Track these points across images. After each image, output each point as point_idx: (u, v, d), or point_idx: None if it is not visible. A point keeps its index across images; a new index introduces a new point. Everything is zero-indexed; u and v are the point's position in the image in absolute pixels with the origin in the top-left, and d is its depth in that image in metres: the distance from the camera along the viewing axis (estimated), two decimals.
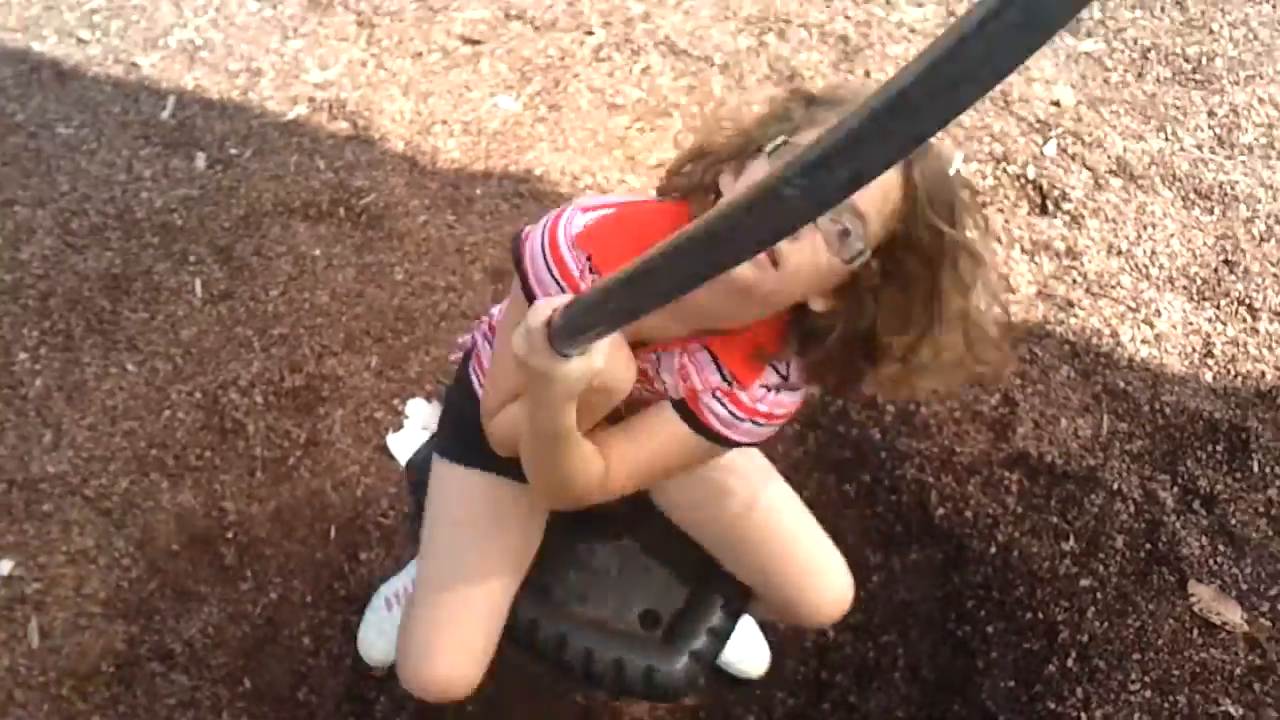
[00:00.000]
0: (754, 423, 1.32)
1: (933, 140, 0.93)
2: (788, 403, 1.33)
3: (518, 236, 1.33)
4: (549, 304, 1.04)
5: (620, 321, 0.95)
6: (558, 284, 1.26)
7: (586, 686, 1.93)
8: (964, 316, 1.23)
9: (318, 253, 2.67)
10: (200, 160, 2.92)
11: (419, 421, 2.38)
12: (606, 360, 1.08)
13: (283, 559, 2.17)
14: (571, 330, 1.01)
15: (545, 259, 1.27)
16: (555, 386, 1.09)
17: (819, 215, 0.71)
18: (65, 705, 1.96)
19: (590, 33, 3.37)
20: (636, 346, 1.26)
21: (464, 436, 1.56)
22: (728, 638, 1.65)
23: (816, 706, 2.07)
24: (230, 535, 2.19)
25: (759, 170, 1.16)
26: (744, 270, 1.12)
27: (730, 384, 1.30)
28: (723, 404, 1.31)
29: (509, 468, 1.43)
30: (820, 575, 1.59)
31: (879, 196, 1.13)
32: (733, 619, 1.65)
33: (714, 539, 1.65)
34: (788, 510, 1.63)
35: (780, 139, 1.16)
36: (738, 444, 1.35)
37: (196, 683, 2.01)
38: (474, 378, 1.59)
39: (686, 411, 1.33)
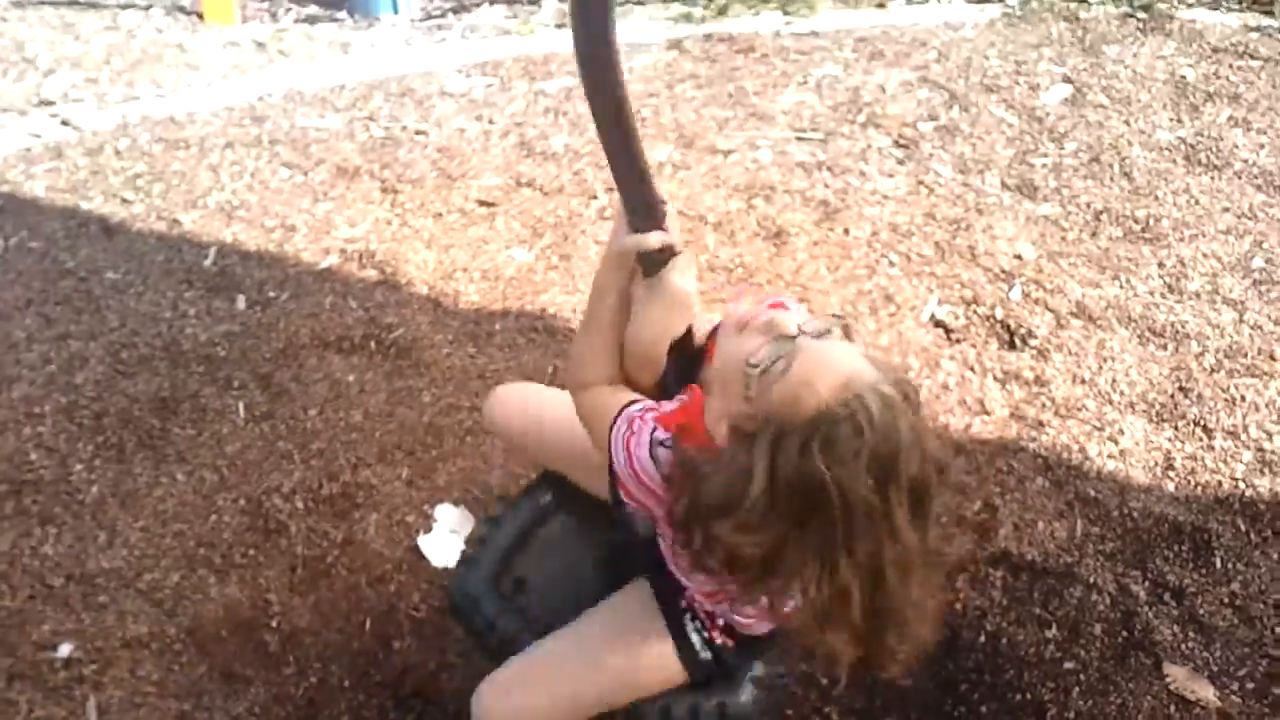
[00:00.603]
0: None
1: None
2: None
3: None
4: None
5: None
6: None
7: None
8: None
9: (351, 379, 2.90)
10: (241, 302, 3.18)
11: (446, 525, 2.57)
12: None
13: (322, 647, 2.32)
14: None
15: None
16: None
17: None
18: None
19: (595, 197, 3.70)
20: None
21: None
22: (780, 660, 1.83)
23: None
24: (274, 624, 2.34)
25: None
26: None
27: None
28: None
29: None
30: None
31: (803, 378, 1.27)
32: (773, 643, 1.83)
33: None
34: None
35: None
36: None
37: None
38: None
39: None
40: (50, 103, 4.25)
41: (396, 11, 5.13)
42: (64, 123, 4.11)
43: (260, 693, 2.24)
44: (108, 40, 4.71)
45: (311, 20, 5.02)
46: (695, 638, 1.69)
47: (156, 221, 3.54)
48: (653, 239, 1.49)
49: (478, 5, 5.25)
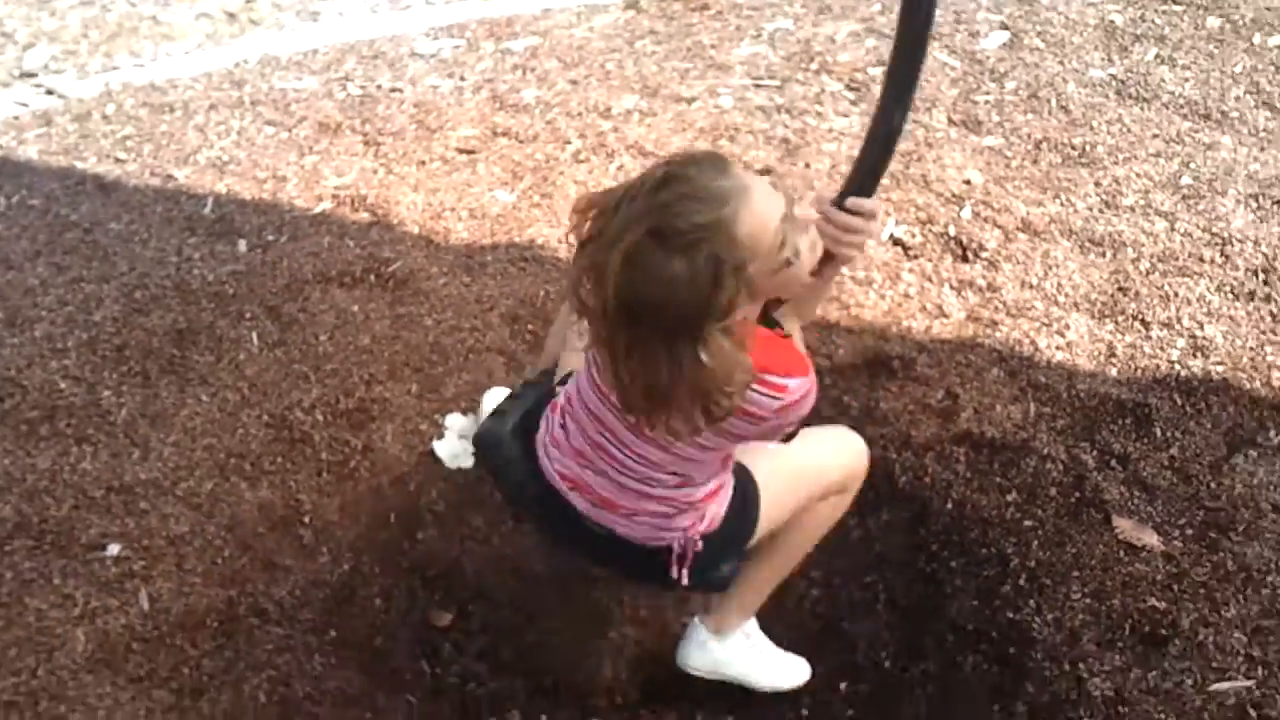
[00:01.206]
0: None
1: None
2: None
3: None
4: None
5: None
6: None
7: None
8: None
9: (355, 309, 3.11)
10: (242, 245, 3.37)
11: (456, 431, 2.79)
12: None
13: (352, 538, 2.54)
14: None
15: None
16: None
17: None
18: (177, 652, 2.29)
19: (569, 142, 3.92)
20: None
21: (744, 510, 1.97)
22: None
23: (816, 641, 2.45)
24: (307, 520, 2.55)
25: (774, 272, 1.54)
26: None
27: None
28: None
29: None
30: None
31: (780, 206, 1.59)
32: None
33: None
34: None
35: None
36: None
37: (289, 632, 2.35)
38: (718, 510, 1.92)
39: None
40: (32, 74, 4.39)
41: None
42: (49, 92, 4.25)
43: (299, 579, 2.45)
44: (82, 15, 4.85)
45: None
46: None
47: (151, 178, 3.71)
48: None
49: None
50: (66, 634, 2.29)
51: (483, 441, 2.03)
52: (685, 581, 1.91)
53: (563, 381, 1.98)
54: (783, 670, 2.31)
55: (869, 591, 2.52)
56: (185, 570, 2.43)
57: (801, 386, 1.61)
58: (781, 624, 2.44)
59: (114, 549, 2.45)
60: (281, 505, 2.57)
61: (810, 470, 2.03)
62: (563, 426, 1.85)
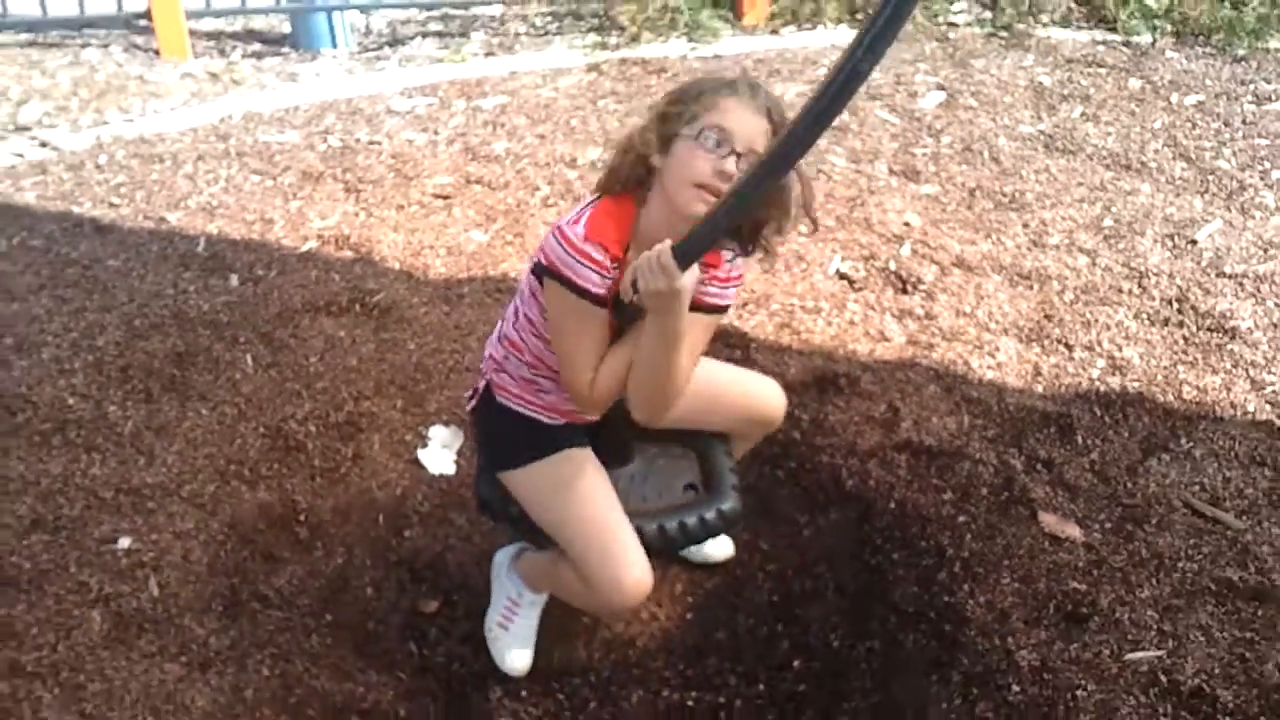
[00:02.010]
0: (732, 287, 2.03)
1: (771, 94, 1.86)
2: (741, 266, 2.05)
3: (539, 264, 1.98)
4: (665, 247, 1.74)
5: (719, 238, 1.70)
6: (592, 271, 1.88)
7: (668, 553, 2.56)
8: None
9: (343, 334, 3.35)
10: (234, 279, 3.61)
11: (440, 441, 3.02)
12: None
13: (345, 535, 2.75)
14: (691, 255, 1.74)
15: (575, 258, 1.90)
16: (685, 297, 1.78)
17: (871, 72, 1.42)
18: (186, 631, 2.48)
19: (538, 188, 4.21)
20: None
21: (521, 445, 2.19)
22: (739, 473, 2.33)
23: (772, 626, 2.69)
24: (302, 519, 2.77)
25: (684, 146, 1.87)
26: (698, 207, 1.84)
27: (705, 271, 1.99)
28: (712, 286, 2.02)
29: (561, 440, 2.15)
30: (759, 386, 2.38)
31: (762, 140, 1.87)
32: (734, 459, 2.33)
33: (685, 414, 2.27)
34: (709, 366, 2.33)
35: (692, 122, 1.87)
36: (727, 307, 2.05)
37: (289, 615, 2.56)
38: (506, 403, 2.19)
39: (695, 306, 1.98)
40: (26, 128, 4.63)
41: (335, 46, 5.60)
42: (43, 144, 4.49)
43: (297, 570, 2.66)
44: (73, 74, 5.11)
45: (258, 55, 5.48)
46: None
47: (144, 220, 3.95)
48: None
49: (411, 39, 5.76)
50: (83, 615, 2.48)
51: (488, 507, 2.28)
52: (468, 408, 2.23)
53: None
54: (505, 652, 2.48)
55: (819, 581, 2.75)
56: (191, 561, 2.63)
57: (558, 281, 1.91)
58: (741, 610, 2.67)
59: (125, 542, 2.65)
60: (279, 505, 2.79)
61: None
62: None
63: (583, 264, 1.88)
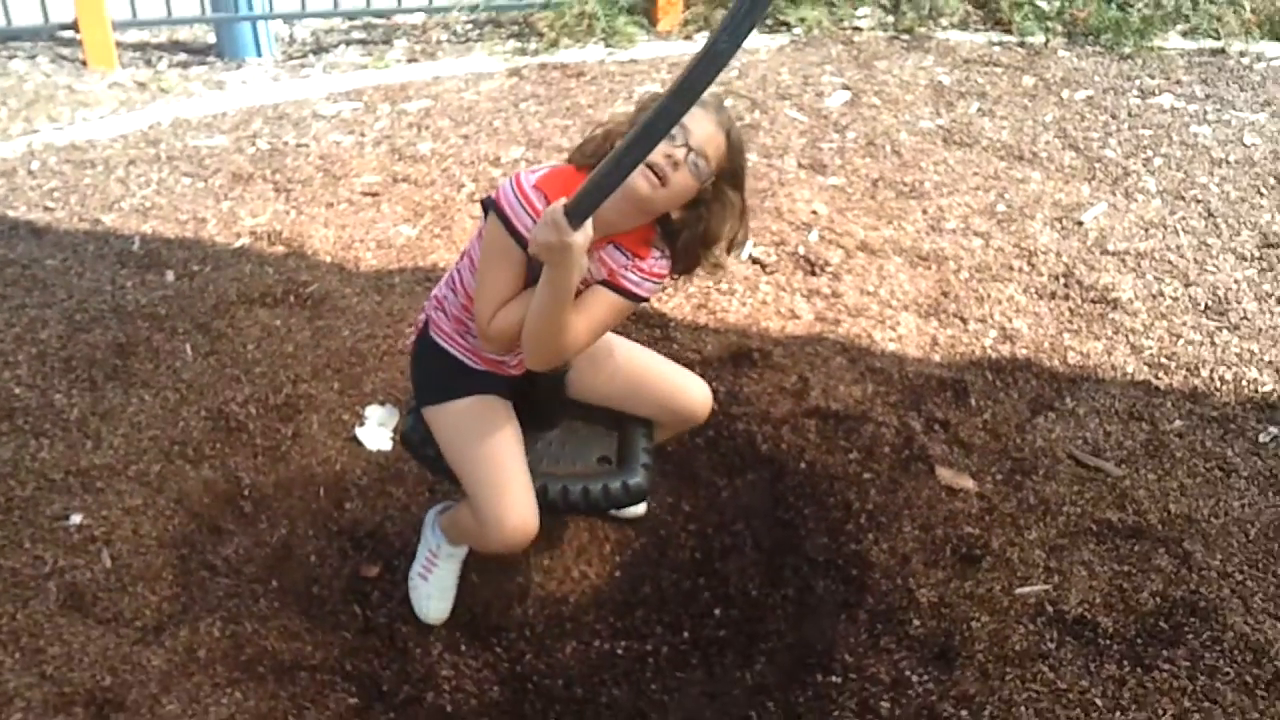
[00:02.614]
0: (650, 281, 2.24)
1: (736, 121, 2.05)
2: (663, 266, 2.26)
3: (488, 198, 2.22)
4: (558, 204, 1.91)
5: (608, 193, 1.85)
6: (529, 215, 2.08)
7: (572, 514, 2.75)
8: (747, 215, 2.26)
9: (278, 323, 3.50)
10: (170, 275, 3.74)
11: (376, 420, 3.18)
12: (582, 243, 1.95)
13: (287, 508, 2.90)
14: (580, 211, 1.92)
15: (519, 201, 2.10)
16: (575, 252, 1.93)
17: (733, 57, 1.64)
18: (139, 598, 2.62)
19: (463, 185, 4.39)
20: None
21: (444, 383, 2.38)
22: (655, 455, 2.52)
23: (694, 579, 2.88)
24: (246, 494, 2.92)
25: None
26: (643, 186, 2.07)
27: (631, 259, 2.22)
28: (633, 274, 2.22)
29: (481, 386, 2.34)
30: (686, 381, 2.53)
31: (713, 147, 2.12)
32: (653, 441, 2.53)
33: (613, 395, 2.54)
34: (644, 355, 2.57)
35: None
36: (644, 298, 2.25)
37: (236, 582, 2.70)
38: (438, 340, 2.39)
39: (611, 286, 2.21)
40: None
41: (260, 54, 5.73)
42: None
43: (243, 540, 2.81)
44: (0, 85, 5.18)
45: (184, 64, 5.58)
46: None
47: (80, 223, 4.06)
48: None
49: (335, 46, 5.90)
50: (39, 586, 2.61)
51: (407, 440, 2.47)
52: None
53: None
54: (424, 601, 2.66)
55: (737, 537, 2.96)
56: (141, 535, 2.77)
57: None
58: (665, 566, 2.86)
59: (76, 519, 2.78)
60: (223, 482, 2.93)
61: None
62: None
63: (524, 207, 2.08)
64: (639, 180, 2.03)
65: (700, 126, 2.10)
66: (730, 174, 2.18)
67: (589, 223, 1.93)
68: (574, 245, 1.92)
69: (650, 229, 2.22)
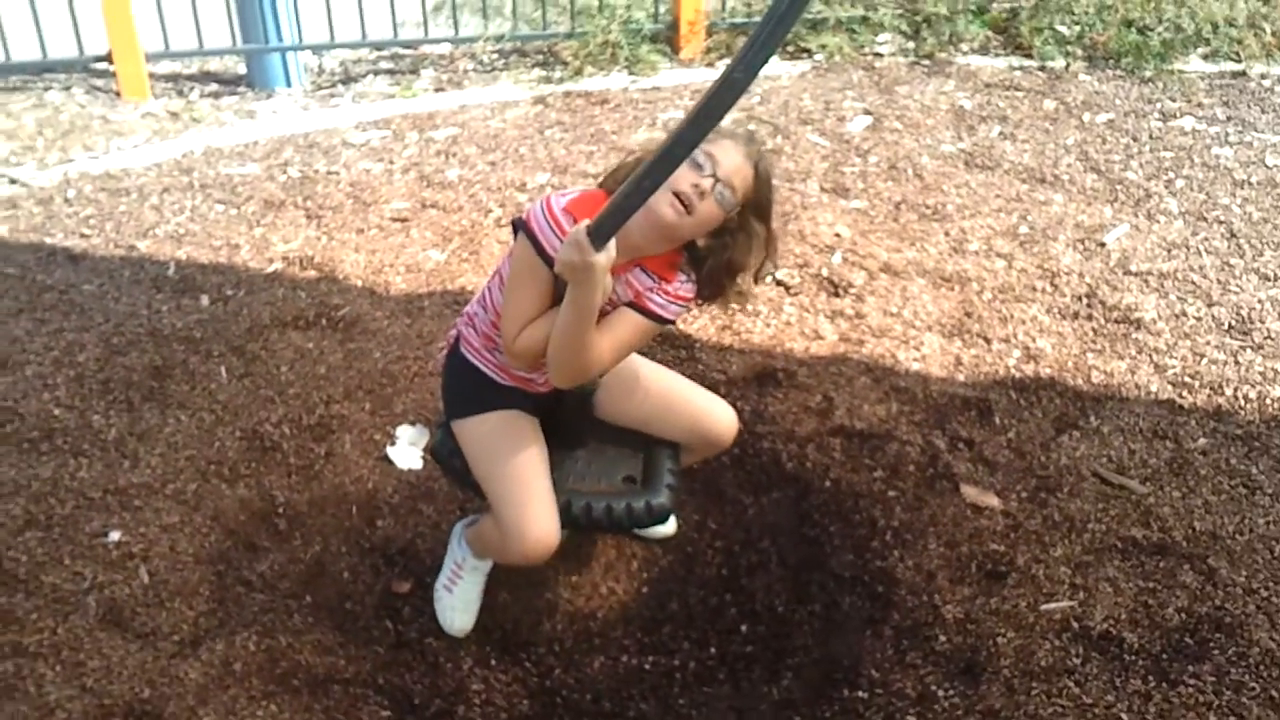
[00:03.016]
0: (675, 304, 2.28)
1: (765, 153, 2.13)
2: (689, 290, 2.29)
3: (519, 219, 2.26)
4: (582, 225, 1.96)
5: (628, 216, 1.91)
6: (557, 236, 2.12)
7: (595, 530, 2.78)
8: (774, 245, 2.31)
9: (311, 345, 3.56)
10: (205, 299, 3.82)
11: (407, 439, 3.24)
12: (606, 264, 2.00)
13: (321, 526, 2.95)
14: (602, 233, 1.97)
15: (549, 223, 2.15)
16: (597, 272, 1.98)
17: (750, 85, 1.69)
18: (176, 613, 2.67)
19: (490, 211, 4.45)
20: None
21: (472, 397, 2.43)
22: (680, 477, 2.56)
23: (721, 596, 2.91)
24: (281, 512, 2.97)
25: None
26: (669, 214, 2.12)
27: (657, 282, 2.27)
28: (658, 296, 2.26)
29: (509, 401, 2.38)
30: (712, 406, 2.57)
31: (740, 179, 2.17)
32: (678, 463, 2.56)
33: (640, 418, 2.58)
34: (671, 379, 2.61)
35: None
36: (669, 321, 2.29)
37: (271, 598, 2.75)
38: (468, 355, 2.44)
39: (636, 307, 2.26)
40: None
41: (290, 85, 5.83)
42: (11, 181, 4.67)
43: (278, 557, 2.86)
44: (37, 115, 5.29)
45: (216, 95, 5.69)
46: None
47: (115, 249, 4.15)
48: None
49: (364, 76, 6.00)
50: (79, 601, 2.66)
51: (440, 454, 2.51)
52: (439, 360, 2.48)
53: None
54: (448, 613, 2.68)
55: (763, 554, 2.99)
56: (178, 552, 2.83)
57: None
58: (692, 583, 2.90)
59: (115, 536, 2.84)
60: (258, 500, 2.99)
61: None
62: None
63: (552, 228, 2.13)
64: (665, 208, 2.09)
65: (728, 158, 2.15)
66: (756, 205, 2.22)
67: (612, 244, 1.97)
68: (596, 265, 1.96)
69: (677, 254, 2.26)
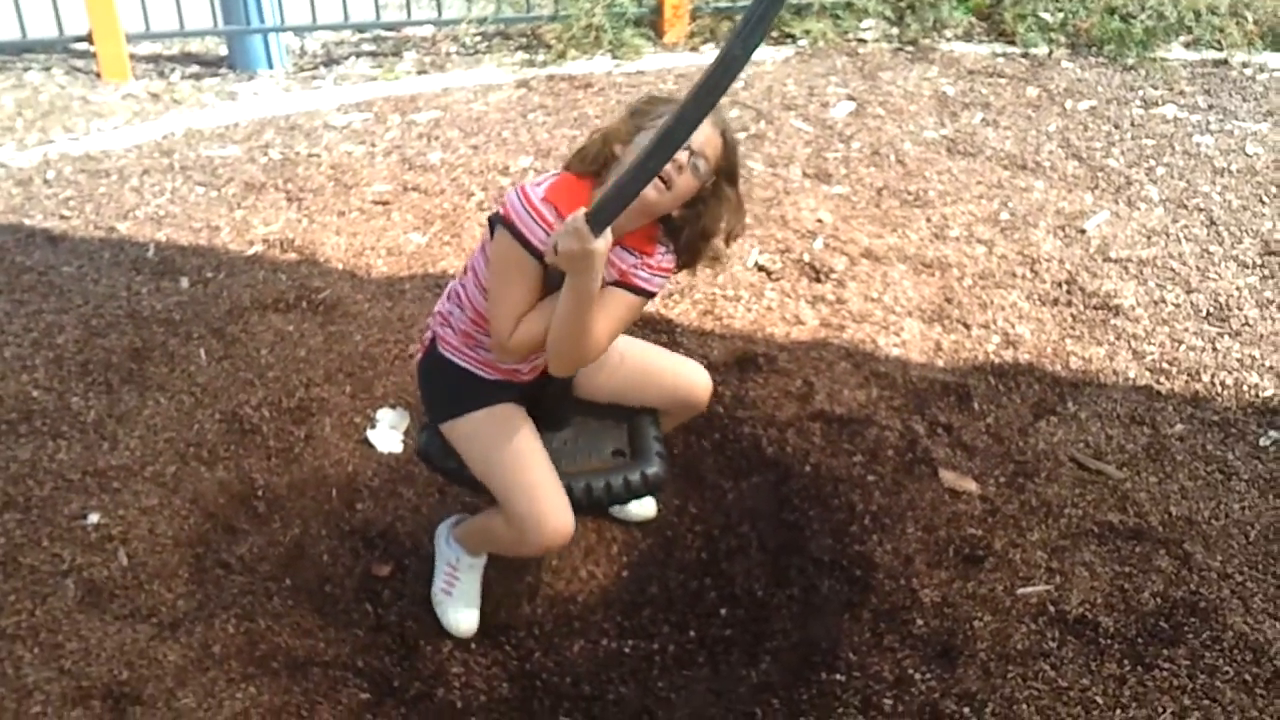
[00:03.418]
0: (659, 276, 2.28)
1: (727, 118, 2.11)
2: (670, 260, 2.31)
3: (496, 214, 2.25)
4: (579, 213, 1.96)
5: (630, 201, 1.92)
6: (541, 227, 2.12)
7: (594, 510, 2.79)
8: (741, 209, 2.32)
9: (291, 329, 3.55)
10: (184, 281, 3.80)
11: (387, 423, 3.23)
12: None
13: (300, 509, 2.95)
14: (601, 219, 1.97)
15: (529, 214, 2.15)
16: (597, 258, 1.99)
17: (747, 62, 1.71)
18: (155, 595, 2.67)
19: (472, 194, 4.45)
20: None
21: (458, 397, 2.42)
22: (664, 443, 2.56)
23: (701, 580, 2.92)
24: (260, 494, 2.97)
25: (643, 138, 2.13)
26: (650, 192, 2.11)
27: (639, 258, 2.27)
28: (643, 271, 2.27)
29: (497, 395, 2.38)
30: (687, 369, 2.62)
31: (712, 148, 2.17)
32: (660, 430, 2.57)
33: (619, 390, 2.58)
34: (643, 347, 2.63)
35: (658, 120, 2.13)
36: (654, 293, 2.29)
37: (251, 580, 2.75)
38: (448, 355, 2.42)
39: (625, 285, 2.25)
40: None
41: (271, 66, 5.80)
42: None
43: (257, 539, 2.86)
44: (16, 96, 5.26)
45: (197, 76, 5.66)
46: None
47: (95, 230, 4.13)
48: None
49: (346, 58, 5.97)
50: (57, 583, 2.66)
51: (426, 458, 2.51)
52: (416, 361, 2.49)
53: None
54: (452, 615, 2.66)
55: (743, 539, 3.00)
56: (157, 534, 2.82)
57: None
58: (672, 567, 2.90)
59: (93, 518, 2.84)
60: (237, 483, 2.98)
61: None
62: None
63: (535, 220, 2.12)
64: (647, 188, 2.09)
65: (699, 129, 2.14)
66: (727, 171, 2.24)
67: (609, 230, 1.98)
68: (596, 252, 1.97)
69: (654, 227, 2.27)
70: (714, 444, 3.21)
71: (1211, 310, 3.80)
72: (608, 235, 1.99)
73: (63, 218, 4.21)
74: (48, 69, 5.59)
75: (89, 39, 5.50)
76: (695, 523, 3.02)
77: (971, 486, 3.06)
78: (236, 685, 2.46)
